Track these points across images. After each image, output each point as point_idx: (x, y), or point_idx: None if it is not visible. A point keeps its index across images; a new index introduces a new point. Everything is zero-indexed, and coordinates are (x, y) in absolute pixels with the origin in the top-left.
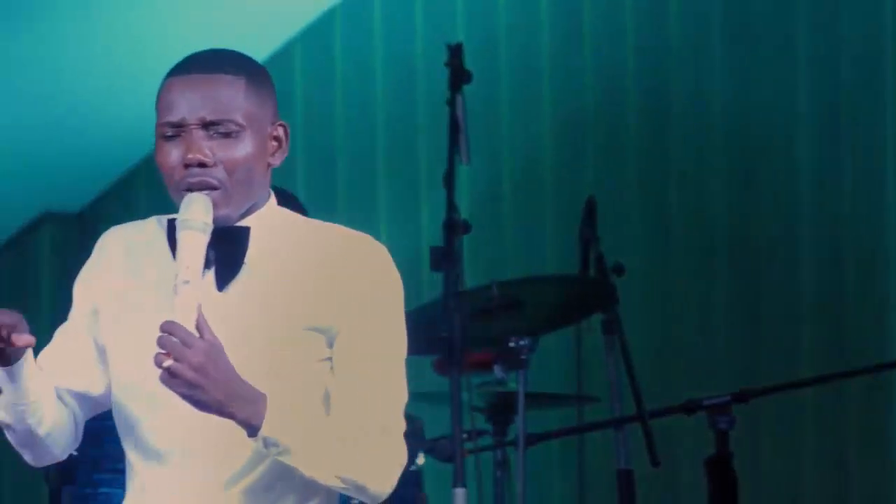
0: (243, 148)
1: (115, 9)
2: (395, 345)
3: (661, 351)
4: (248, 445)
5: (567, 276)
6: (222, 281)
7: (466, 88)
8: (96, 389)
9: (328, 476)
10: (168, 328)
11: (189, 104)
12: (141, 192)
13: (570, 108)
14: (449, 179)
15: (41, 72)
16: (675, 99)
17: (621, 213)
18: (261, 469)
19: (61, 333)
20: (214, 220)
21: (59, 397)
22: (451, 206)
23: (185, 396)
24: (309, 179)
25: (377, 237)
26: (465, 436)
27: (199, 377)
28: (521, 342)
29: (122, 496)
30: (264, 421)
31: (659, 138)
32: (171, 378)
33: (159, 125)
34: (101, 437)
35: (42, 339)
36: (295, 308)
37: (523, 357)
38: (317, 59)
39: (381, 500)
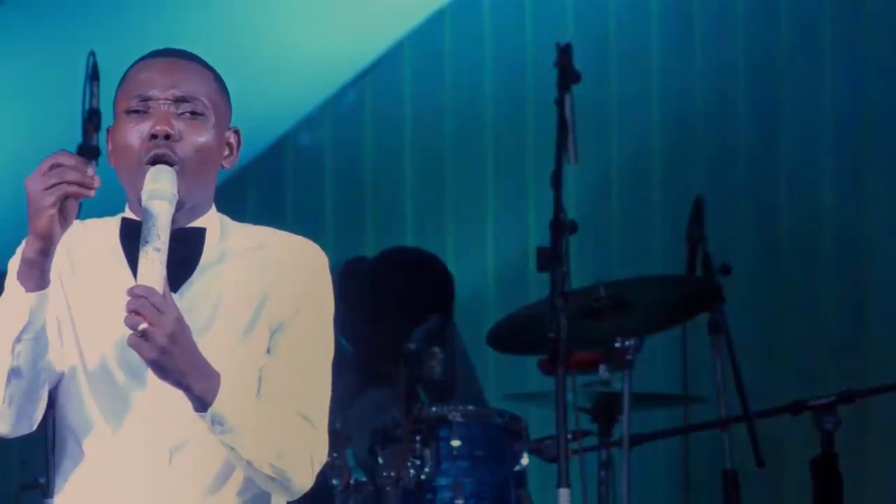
0: (207, 133)
1: (223, 13)
2: (327, 344)
3: (767, 351)
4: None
5: (674, 276)
6: (177, 281)
7: (575, 88)
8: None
9: (263, 462)
10: (143, 292)
11: (161, 81)
12: (248, 193)
13: (679, 107)
14: (557, 179)
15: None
16: (785, 98)
17: (729, 213)
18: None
19: None
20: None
21: None
22: (559, 206)
23: (152, 361)
24: (418, 179)
25: (485, 237)
26: (569, 436)
27: (169, 344)
28: (627, 342)
29: None
30: (216, 398)
31: (768, 138)
32: (141, 342)
33: (125, 101)
34: None
35: None
36: (245, 307)
37: (629, 357)
38: (426, 59)
39: (298, 496)
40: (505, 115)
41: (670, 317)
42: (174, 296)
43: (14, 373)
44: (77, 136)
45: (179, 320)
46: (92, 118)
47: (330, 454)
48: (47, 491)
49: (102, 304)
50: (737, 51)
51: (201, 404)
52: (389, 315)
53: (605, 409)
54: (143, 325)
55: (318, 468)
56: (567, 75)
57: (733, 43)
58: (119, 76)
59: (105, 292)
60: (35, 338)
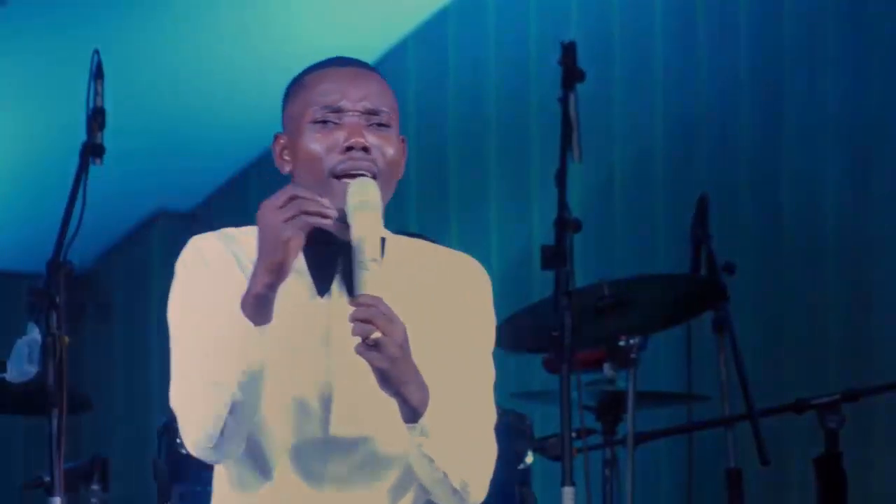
0: (393, 143)
1: (228, 10)
2: (490, 360)
3: (771, 349)
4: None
5: (678, 274)
6: (354, 289)
7: (579, 87)
8: None
9: (455, 475)
10: (372, 301)
11: (351, 91)
12: (253, 191)
13: (683, 106)
14: (561, 178)
15: (155, 74)
16: (789, 97)
17: (733, 211)
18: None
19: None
20: None
21: None
22: (563, 205)
23: (380, 370)
24: (421, 178)
25: (488, 235)
26: (574, 434)
27: (400, 353)
28: (632, 341)
29: None
30: (427, 409)
31: (772, 136)
32: (371, 350)
33: (312, 111)
34: None
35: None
36: (417, 319)
37: (633, 356)
38: (430, 57)
39: None
40: (509, 114)
41: (674, 315)
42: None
43: (236, 407)
44: (81, 135)
45: (405, 332)
46: (96, 117)
47: None
48: (51, 489)
49: (284, 314)
50: (740, 49)
51: (413, 415)
52: None
53: (610, 407)
54: (377, 335)
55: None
56: (571, 74)
57: (737, 41)
58: (123, 75)
59: (287, 304)
60: (259, 371)
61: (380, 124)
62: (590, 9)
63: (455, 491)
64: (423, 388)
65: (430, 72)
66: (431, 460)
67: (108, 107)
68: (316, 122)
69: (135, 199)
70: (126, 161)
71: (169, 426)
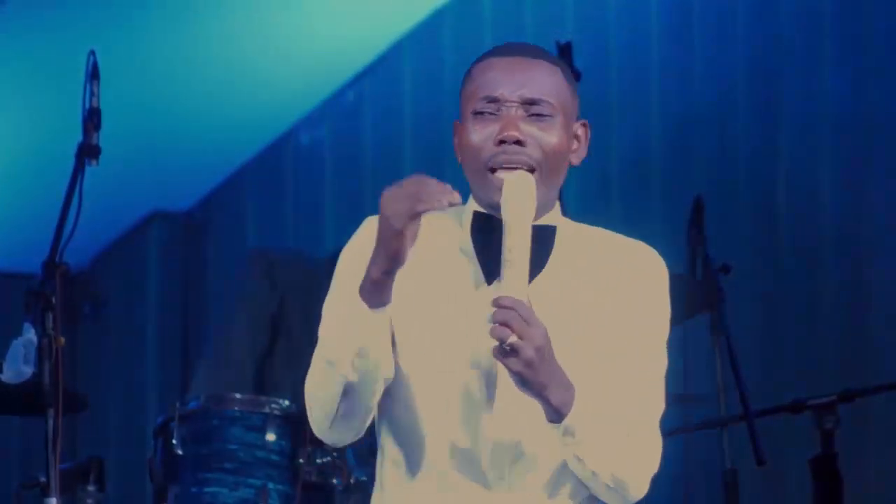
0: (556, 133)
1: (223, 12)
2: (664, 355)
3: (767, 350)
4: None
5: (674, 275)
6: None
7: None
8: (390, 373)
9: (605, 473)
10: (511, 304)
11: (510, 82)
12: (248, 192)
13: (679, 107)
14: None
15: (151, 75)
16: (786, 98)
17: (729, 213)
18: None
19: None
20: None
21: None
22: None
23: (517, 373)
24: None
25: None
26: None
27: (537, 357)
28: None
29: (227, 495)
30: (572, 410)
31: (768, 138)
32: (507, 355)
33: (471, 100)
34: (208, 436)
35: (147, 334)
36: (592, 309)
37: None
38: (426, 58)
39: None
40: None
41: (670, 316)
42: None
43: (351, 388)
44: (77, 135)
45: (545, 334)
46: (92, 117)
47: (329, 453)
48: (47, 490)
49: (449, 299)
50: (737, 50)
51: (557, 416)
52: None
53: None
54: (513, 339)
55: (651, 476)
56: None
57: (733, 42)
58: (119, 75)
59: (452, 288)
60: (373, 354)
61: (539, 114)
62: (586, 9)
63: (610, 487)
64: (567, 389)
65: (426, 72)
66: (580, 459)
67: (104, 108)
68: (476, 113)
69: (130, 199)
70: (122, 162)
71: (164, 427)
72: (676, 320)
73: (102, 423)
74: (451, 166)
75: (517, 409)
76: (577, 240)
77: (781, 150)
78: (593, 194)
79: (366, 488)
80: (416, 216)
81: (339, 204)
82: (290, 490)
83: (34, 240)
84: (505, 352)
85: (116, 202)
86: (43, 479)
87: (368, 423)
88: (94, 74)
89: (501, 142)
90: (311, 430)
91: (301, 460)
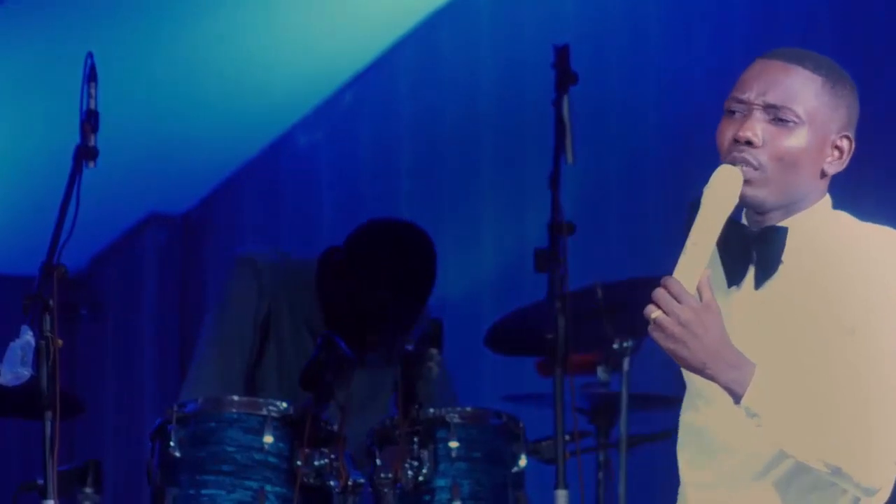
0: (797, 140)
1: (221, 14)
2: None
3: None
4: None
5: None
6: (759, 279)
7: (573, 90)
8: None
9: (810, 457)
10: (664, 282)
11: (759, 85)
12: (245, 195)
13: (678, 109)
14: (554, 180)
15: (146, 78)
16: None
17: None
18: (787, 462)
19: None
20: (747, 202)
21: None
22: (557, 208)
23: (667, 350)
24: (414, 181)
25: (482, 238)
26: (567, 437)
27: (683, 332)
28: (625, 344)
29: (224, 498)
30: (747, 389)
31: None
32: (656, 330)
33: (728, 101)
34: (205, 439)
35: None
36: (828, 309)
37: (627, 359)
38: (424, 60)
39: (872, 494)
40: (502, 117)
41: None
42: (756, 293)
43: None
44: (75, 137)
45: (698, 311)
46: (90, 119)
47: (327, 455)
48: (45, 492)
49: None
50: (735, 52)
51: (734, 396)
52: (365, 290)
53: (603, 410)
54: (656, 314)
55: (890, 469)
56: (565, 76)
57: (732, 45)
58: (116, 77)
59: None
60: None
61: (781, 119)
62: (584, 12)
63: (830, 474)
64: (737, 369)
65: (424, 74)
66: (776, 441)
67: (102, 110)
68: (728, 111)
69: (128, 202)
70: (119, 164)
71: (161, 429)
72: None
73: (100, 425)
74: (448, 168)
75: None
76: (831, 239)
77: None
78: (592, 196)
79: (363, 491)
80: None
81: (337, 206)
82: (287, 492)
83: (31, 242)
84: (653, 327)
85: (114, 205)
86: (41, 482)
87: None
88: (91, 77)
89: (735, 140)
90: (308, 432)
91: (299, 463)
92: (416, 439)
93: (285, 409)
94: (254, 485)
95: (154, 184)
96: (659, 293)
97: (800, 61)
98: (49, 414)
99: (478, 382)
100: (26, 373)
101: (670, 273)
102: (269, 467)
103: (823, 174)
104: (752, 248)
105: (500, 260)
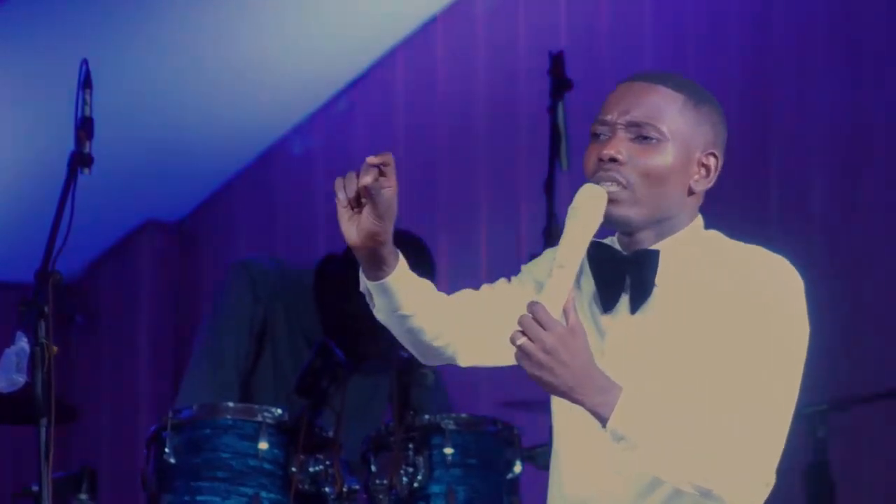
0: (661, 157)
1: (217, 22)
2: (783, 365)
3: None
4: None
5: None
6: (635, 303)
7: (567, 96)
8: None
9: (680, 480)
10: (529, 308)
11: (621, 105)
12: (239, 202)
13: None
14: (549, 186)
15: (142, 85)
16: (778, 105)
17: (721, 220)
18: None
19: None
20: (615, 221)
21: (466, 315)
22: (551, 214)
23: (533, 377)
24: (409, 187)
25: (477, 244)
26: None
27: (549, 359)
28: None
29: None
30: (613, 413)
31: (760, 145)
32: (521, 357)
33: (593, 124)
34: (200, 445)
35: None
36: (702, 330)
37: None
38: (419, 67)
39: None
40: (497, 123)
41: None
42: (632, 317)
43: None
44: (70, 144)
45: (563, 336)
46: (84, 126)
47: (322, 461)
48: (39, 499)
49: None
50: (729, 59)
51: (601, 420)
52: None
53: None
54: (521, 341)
55: (760, 491)
56: (560, 83)
57: (726, 50)
58: (112, 84)
59: (582, 317)
60: (387, 311)
61: (644, 136)
62: (578, 19)
63: (702, 496)
64: (604, 393)
65: (419, 81)
66: (643, 464)
67: (97, 117)
68: (593, 134)
69: (123, 209)
70: (114, 172)
71: (157, 436)
72: None
73: (95, 432)
74: (443, 175)
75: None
76: (703, 260)
77: (774, 158)
78: None
79: (358, 497)
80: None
81: (332, 213)
82: (282, 499)
83: (27, 249)
84: (519, 354)
85: (109, 211)
86: (35, 489)
87: (466, 347)
88: (86, 84)
89: (600, 160)
90: (303, 438)
91: (294, 469)
92: (411, 446)
93: (280, 415)
94: (249, 491)
95: (149, 191)
96: (524, 319)
97: (661, 81)
98: (44, 421)
99: (473, 389)
100: (21, 379)
101: None
102: (265, 474)
103: (691, 192)
104: (625, 272)
105: (495, 266)
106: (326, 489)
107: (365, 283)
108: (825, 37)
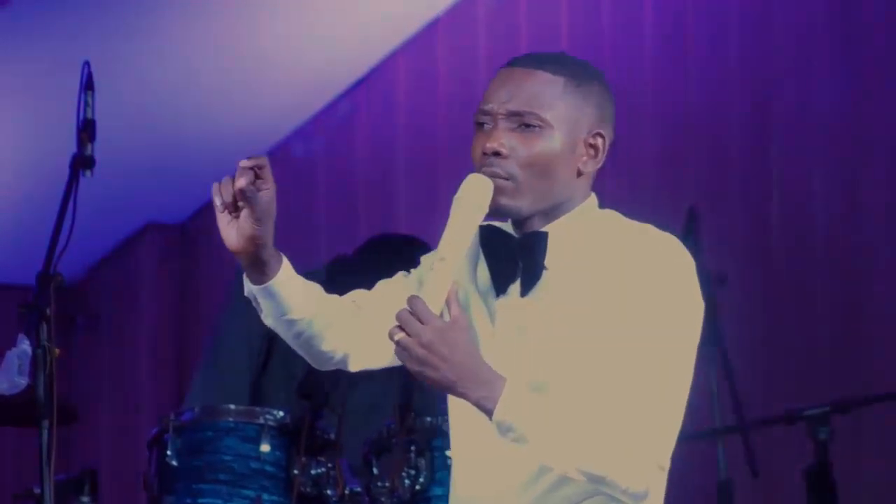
0: (545, 144)
1: (218, 24)
2: (674, 345)
3: (761, 361)
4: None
5: None
6: (525, 287)
7: None
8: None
9: (568, 467)
10: (408, 302)
11: (500, 95)
12: None
13: (673, 116)
14: None
15: (144, 87)
16: (779, 107)
17: (724, 222)
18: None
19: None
20: (504, 212)
21: (359, 317)
22: None
23: (414, 372)
24: (411, 190)
25: None
26: None
27: (428, 354)
28: None
29: None
30: (497, 404)
31: (762, 147)
32: (401, 353)
33: (476, 114)
34: (202, 448)
35: (141, 346)
36: (593, 312)
37: None
38: (420, 69)
39: (641, 499)
40: None
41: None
42: (522, 301)
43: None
44: (72, 147)
45: (443, 330)
46: (86, 128)
47: (324, 464)
48: (41, 501)
49: (471, 313)
50: (731, 59)
51: (486, 413)
52: None
53: None
54: (398, 336)
55: (654, 473)
56: None
57: (727, 51)
58: (113, 86)
59: (472, 301)
60: (275, 316)
61: (526, 125)
62: (579, 19)
63: (595, 482)
64: (486, 385)
65: (420, 83)
66: (534, 454)
67: (99, 119)
68: (477, 124)
69: (124, 211)
70: (116, 174)
71: (158, 438)
72: None
73: (96, 434)
74: (444, 177)
75: None
76: (593, 240)
77: (775, 160)
78: None
79: (360, 499)
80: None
81: (333, 216)
82: (284, 501)
83: (29, 251)
84: (399, 350)
85: (111, 214)
86: (37, 491)
87: (356, 352)
88: (88, 86)
89: (484, 153)
90: (305, 441)
91: (296, 471)
92: (413, 448)
93: (282, 417)
94: (251, 493)
95: (151, 193)
96: (401, 314)
97: (539, 65)
98: (46, 423)
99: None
100: (23, 382)
101: None
102: (266, 476)
103: (580, 173)
104: (517, 255)
105: None
106: (328, 491)
107: (249, 288)
108: (826, 37)
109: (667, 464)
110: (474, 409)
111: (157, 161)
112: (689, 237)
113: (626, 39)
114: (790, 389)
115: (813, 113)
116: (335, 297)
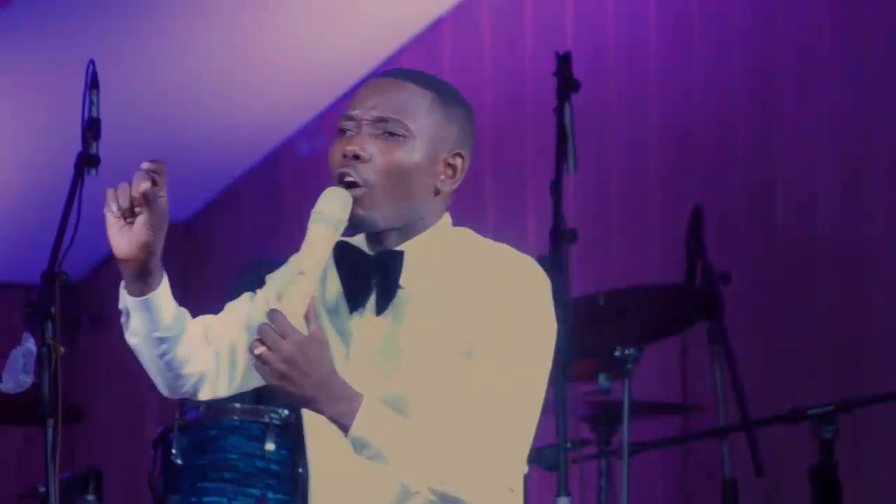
0: (405, 154)
1: (224, 22)
2: (527, 367)
3: (766, 360)
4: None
5: (673, 285)
6: (380, 305)
7: (574, 97)
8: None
9: (419, 485)
10: (269, 316)
11: (367, 101)
12: (246, 203)
13: (678, 116)
14: (556, 188)
15: (148, 86)
16: (785, 106)
17: (728, 222)
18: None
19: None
20: (360, 223)
21: (211, 342)
22: (558, 215)
23: (274, 387)
24: None
25: None
26: (569, 445)
27: (288, 369)
28: (627, 351)
29: None
30: (354, 421)
31: (766, 147)
32: (261, 367)
33: (339, 119)
34: (207, 446)
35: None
36: (447, 332)
37: (628, 366)
38: (425, 67)
39: None
40: (504, 124)
41: (669, 326)
42: (377, 319)
43: (136, 349)
44: (77, 145)
45: (303, 345)
46: (91, 127)
47: None
48: (46, 500)
49: (326, 329)
50: (736, 59)
51: (343, 429)
52: None
53: (605, 417)
54: (259, 350)
55: (502, 494)
56: (566, 84)
57: (732, 51)
58: (118, 85)
59: (328, 317)
60: (144, 332)
61: (389, 132)
62: (585, 18)
63: (446, 502)
64: (344, 401)
65: None
66: (390, 472)
67: (104, 118)
68: (339, 129)
69: None
70: (121, 173)
71: (163, 437)
72: (675, 330)
73: (101, 433)
74: None
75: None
76: (448, 260)
77: (781, 159)
78: (593, 203)
79: None
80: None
81: None
82: (289, 500)
83: (33, 250)
84: (259, 364)
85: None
86: (42, 490)
87: (211, 380)
88: (93, 84)
89: (344, 156)
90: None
91: (301, 470)
92: None
93: (287, 416)
94: (256, 492)
95: None
96: (262, 328)
97: (411, 78)
98: (51, 422)
99: None
100: (28, 380)
101: (673, 279)
102: (271, 474)
103: (437, 192)
104: (371, 273)
105: None
106: None
107: (126, 301)
108: (829, 37)
109: (518, 487)
110: (332, 425)
111: (162, 159)
112: (694, 236)
113: (631, 38)
114: (795, 388)
115: (816, 112)
116: (200, 318)
